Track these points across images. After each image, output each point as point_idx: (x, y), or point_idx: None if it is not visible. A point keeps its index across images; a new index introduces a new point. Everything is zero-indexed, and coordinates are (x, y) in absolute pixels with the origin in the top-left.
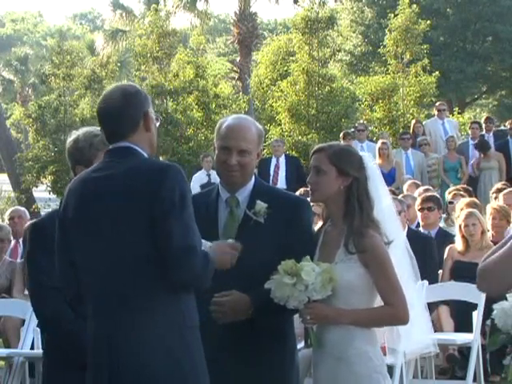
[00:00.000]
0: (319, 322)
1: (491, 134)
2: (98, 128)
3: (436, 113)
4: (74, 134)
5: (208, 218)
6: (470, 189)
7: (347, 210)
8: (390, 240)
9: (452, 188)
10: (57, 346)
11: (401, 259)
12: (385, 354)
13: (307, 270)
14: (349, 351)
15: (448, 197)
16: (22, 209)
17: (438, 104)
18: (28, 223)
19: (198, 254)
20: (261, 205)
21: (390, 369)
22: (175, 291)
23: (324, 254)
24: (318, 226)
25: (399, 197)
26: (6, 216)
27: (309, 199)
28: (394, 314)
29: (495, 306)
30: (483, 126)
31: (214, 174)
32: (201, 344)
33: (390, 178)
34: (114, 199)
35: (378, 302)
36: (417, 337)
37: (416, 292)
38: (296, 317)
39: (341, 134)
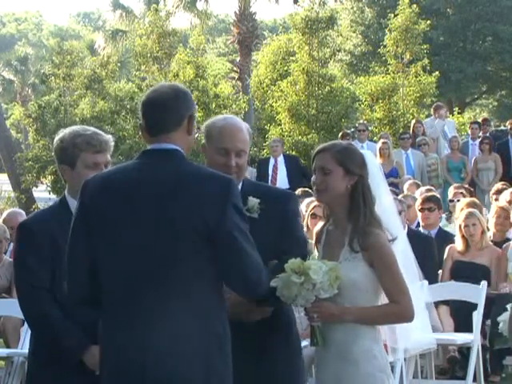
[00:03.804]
0: (326, 321)
1: (487, 135)
2: (86, 127)
3: (434, 113)
4: (61, 133)
5: None
6: (472, 189)
7: (352, 209)
8: (394, 237)
9: (454, 185)
10: (44, 346)
11: (402, 256)
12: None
13: (315, 268)
14: (354, 350)
15: (450, 194)
16: (19, 210)
17: (436, 105)
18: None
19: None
20: (253, 201)
21: (390, 368)
22: (222, 303)
23: (328, 254)
24: (318, 226)
25: (399, 197)
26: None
27: (309, 199)
28: (400, 311)
29: (500, 319)
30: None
31: None
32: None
33: (390, 177)
34: (169, 203)
35: (382, 299)
36: (416, 336)
37: (418, 290)
38: (297, 316)
39: (339, 134)
